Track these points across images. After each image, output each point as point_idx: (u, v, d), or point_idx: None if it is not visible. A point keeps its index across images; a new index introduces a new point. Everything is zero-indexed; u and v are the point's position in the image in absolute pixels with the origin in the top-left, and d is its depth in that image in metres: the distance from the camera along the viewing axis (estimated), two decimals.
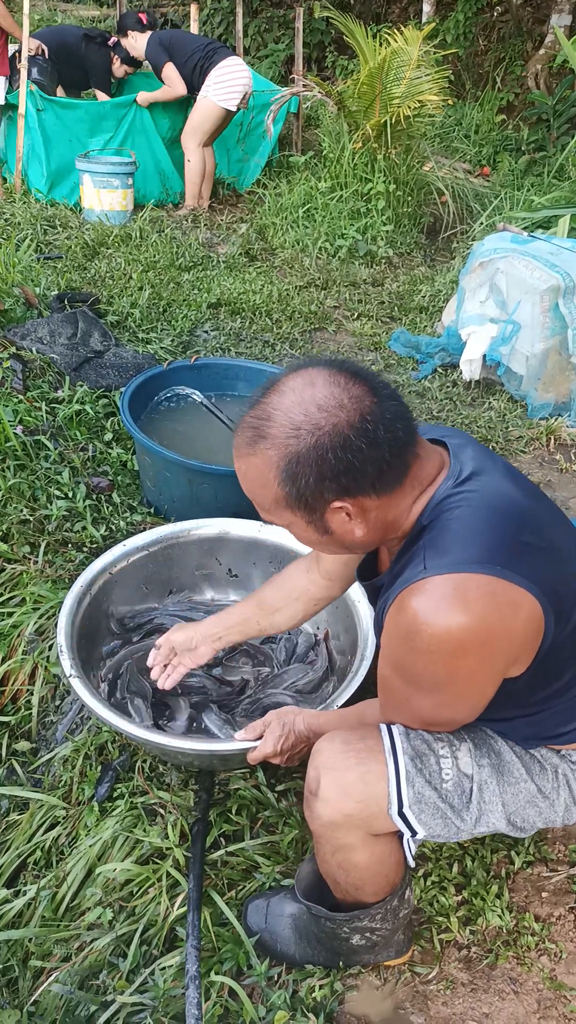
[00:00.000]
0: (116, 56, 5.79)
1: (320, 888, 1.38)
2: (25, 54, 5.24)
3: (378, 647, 1.74)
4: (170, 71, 5.29)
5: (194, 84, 5.33)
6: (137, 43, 5.46)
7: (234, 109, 5.35)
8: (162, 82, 5.42)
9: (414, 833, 1.22)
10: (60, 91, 5.74)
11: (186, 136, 5.45)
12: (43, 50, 5.50)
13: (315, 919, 1.39)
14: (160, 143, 5.68)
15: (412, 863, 1.31)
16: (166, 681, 1.71)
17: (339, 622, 1.96)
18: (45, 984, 1.52)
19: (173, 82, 5.33)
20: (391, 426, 1.07)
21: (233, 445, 1.12)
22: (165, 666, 1.72)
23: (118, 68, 5.89)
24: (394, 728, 1.22)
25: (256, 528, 2.11)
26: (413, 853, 1.30)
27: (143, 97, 5.52)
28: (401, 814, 1.19)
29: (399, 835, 1.26)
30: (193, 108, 5.43)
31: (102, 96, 5.85)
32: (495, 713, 1.20)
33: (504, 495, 1.12)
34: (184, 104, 5.67)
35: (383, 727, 1.23)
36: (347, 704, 1.59)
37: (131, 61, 5.84)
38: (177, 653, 1.71)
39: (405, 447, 1.09)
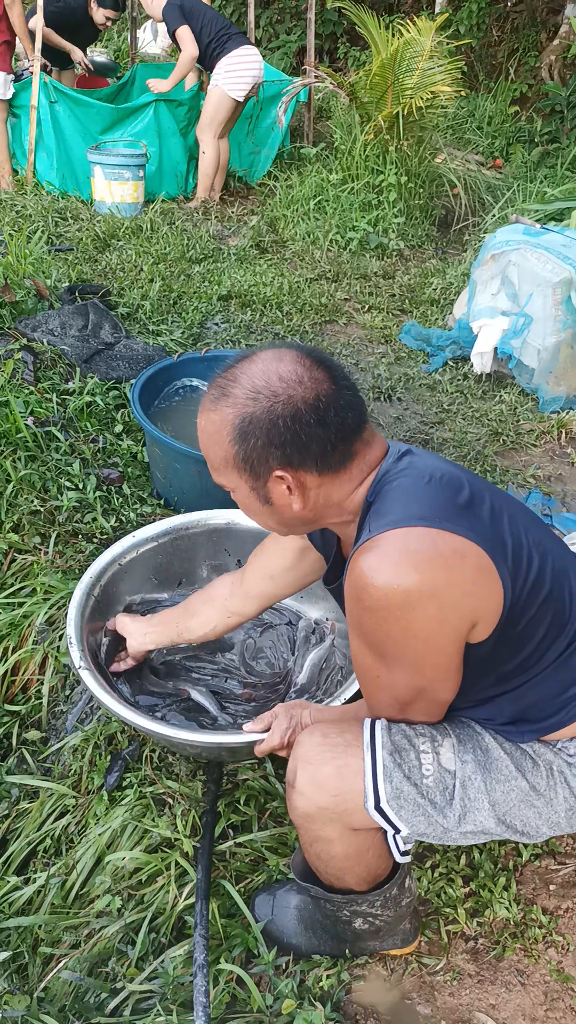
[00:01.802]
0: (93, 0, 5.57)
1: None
2: (38, 46, 5.23)
3: None
4: (185, 32, 5.13)
5: (205, 61, 5.27)
6: (154, 1, 5.24)
7: (241, 99, 5.31)
8: (176, 44, 5.28)
9: (397, 830, 1.21)
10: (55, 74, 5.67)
11: (202, 129, 5.43)
12: (47, 65, 5.47)
13: (317, 903, 1.40)
14: (178, 143, 5.66)
15: (401, 859, 1.29)
16: (117, 665, 1.85)
17: (343, 613, 1.96)
18: (55, 971, 1.54)
19: (186, 43, 5.16)
20: (342, 412, 1.14)
21: (200, 402, 1.20)
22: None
23: (96, 12, 5.68)
24: (377, 723, 1.22)
25: None
26: (403, 849, 1.28)
27: (158, 86, 5.46)
28: (379, 809, 1.18)
29: (383, 831, 1.25)
30: (205, 99, 5.41)
31: (59, 40, 5.60)
32: (475, 693, 1.20)
33: (439, 466, 1.19)
34: (196, 98, 5.66)
35: (366, 722, 1.23)
36: (355, 698, 1.59)
37: (114, 3, 5.58)
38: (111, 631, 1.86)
39: (352, 434, 1.16)
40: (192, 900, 1.52)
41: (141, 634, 1.79)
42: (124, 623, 1.83)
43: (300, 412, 1.11)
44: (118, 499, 2.50)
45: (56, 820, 1.80)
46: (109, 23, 5.92)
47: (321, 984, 1.42)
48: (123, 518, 2.43)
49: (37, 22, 5.26)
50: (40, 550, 2.29)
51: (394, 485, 1.14)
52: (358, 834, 1.24)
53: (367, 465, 1.19)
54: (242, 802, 1.70)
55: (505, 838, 1.26)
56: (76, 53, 5.80)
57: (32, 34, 5.24)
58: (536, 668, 1.21)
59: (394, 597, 1.05)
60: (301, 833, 1.29)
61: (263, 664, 2.00)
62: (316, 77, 5.66)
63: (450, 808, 1.20)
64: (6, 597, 2.21)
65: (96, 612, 1.85)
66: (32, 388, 2.82)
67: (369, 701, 1.25)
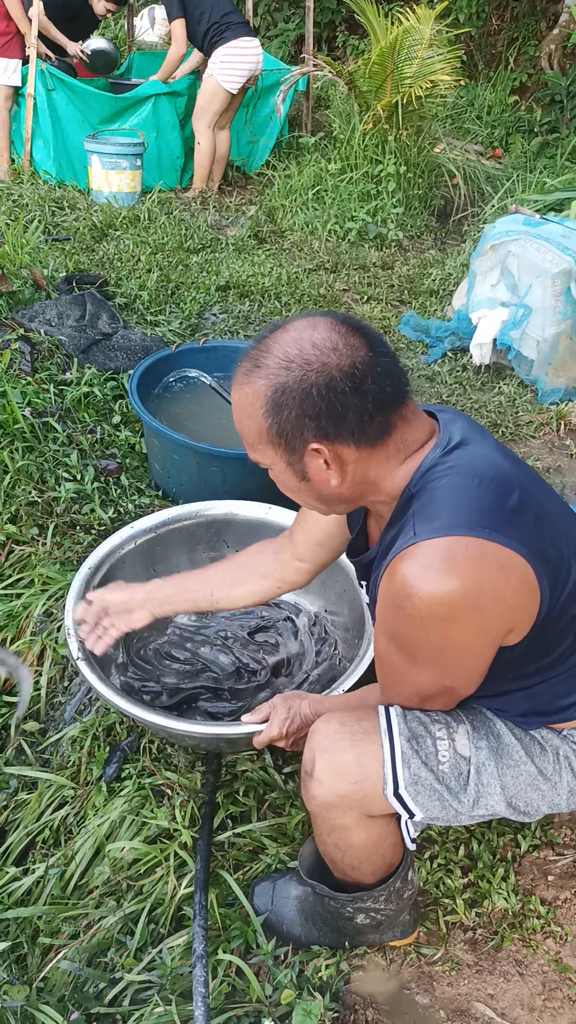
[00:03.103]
0: None
1: (322, 867, 1.39)
2: (34, 32, 5.18)
3: None
4: (178, 27, 5.16)
5: (203, 48, 5.25)
6: None
7: (235, 92, 5.28)
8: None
9: (411, 815, 1.22)
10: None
11: (195, 119, 5.39)
12: (49, 55, 5.42)
13: (319, 899, 1.40)
14: (176, 134, 5.62)
15: (411, 845, 1.31)
16: (96, 644, 1.62)
17: (343, 599, 1.96)
18: (54, 961, 1.54)
19: (176, 39, 5.21)
20: (379, 380, 1.08)
21: (233, 376, 1.15)
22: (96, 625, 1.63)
23: (97, 3, 5.67)
24: (391, 710, 1.22)
25: (264, 510, 2.10)
26: (412, 836, 1.30)
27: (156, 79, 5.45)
28: (397, 795, 1.19)
29: (396, 817, 1.26)
30: (200, 89, 5.37)
31: (55, 32, 5.55)
32: (492, 687, 1.20)
33: (491, 462, 1.13)
34: (193, 88, 5.62)
35: (381, 709, 1.23)
36: (355, 687, 1.59)
37: None
38: (109, 614, 1.62)
39: (391, 404, 1.10)
40: (191, 890, 1.52)
41: (156, 604, 1.60)
42: (124, 599, 1.61)
43: (335, 380, 1.06)
44: (116, 490, 2.49)
45: (55, 811, 1.80)
46: (109, 14, 5.87)
47: (320, 974, 1.42)
48: (121, 509, 2.42)
49: (36, 10, 5.22)
50: (38, 541, 2.28)
51: (442, 483, 1.09)
52: (375, 821, 1.25)
53: (406, 445, 1.14)
54: (241, 793, 1.70)
55: (506, 817, 1.28)
56: (71, 47, 5.73)
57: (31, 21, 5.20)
58: (557, 670, 1.22)
59: (438, 609, 1.04)
60: (318, 823, 1.29)
61: (271, 655, 2.00)
62: (315, 66, 5.62)
63: (464, 793, 1.22)
64: (4, 588, 2.20)
65: None
66: (29, 378, 2.81)
67: (387, 691, 1.25)
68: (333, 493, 1.16)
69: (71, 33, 5.74)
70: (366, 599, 1.80)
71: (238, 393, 1.13)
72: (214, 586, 1.62)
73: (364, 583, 1.36)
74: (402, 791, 1.19)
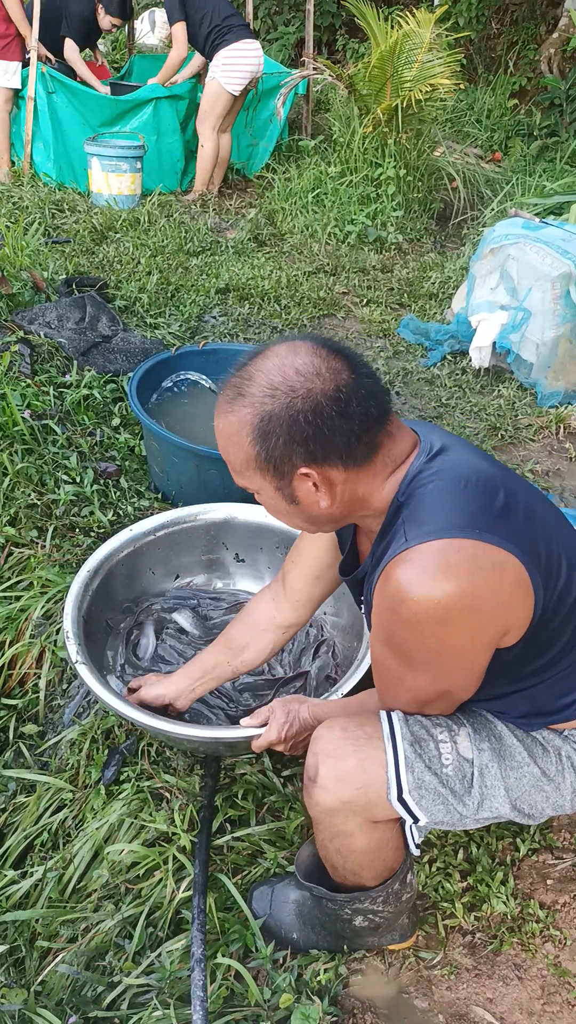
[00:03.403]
0: (100, 5, 5.58)
1: (321, 870, 1.39)
2: (35, 34, 5.19)
3: None
4: (179, 30, 5.16)
5: (204, 51, 5.26)
6: None
7: (237, 94, 5.28)
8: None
9: (416, 820, 1.22)
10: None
11: (200, 123, 5.40)
12: (49, 57, 5.44)
13: (318, 902, 1.40)
14: (177, 138, 5.63)
15: (416, 850, 1.31)
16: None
17: (342, 601, 1.96)
18: (52, 965, 1.54)
19: (177, 42, 5.22)
20: (364, 402, 1.09)
21: (216, 404, 1.15)
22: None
23: (103, 19, 5.70)
24: (393, 715, 1.22)
25: (263, 513, 2.09)
26: (416, 840, 1.30)
27: (155, 82, 5.45)
28: (401, 800, 1.19)
29: (400, 822, 1.26)
30: (203, 92, 5.38)
31: (69, 46, 5.59)
32: (491, 690, 1.20)
33: (473, 466, 1.15)
34: (194, 91, 5.63)
35: (382, 714, 1.23)
36: (353, 690, 1.59)
37: (119, 12, 5.63)
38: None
39: (376, 424, 1.11)
40: (189, 894, 1.52)
41: (186, 694, 1.66)
42: (157, 696, 1.66)
43: (320, 405, 1.06)
44: (115, 493, 2.49)
45: (53, 814, 1.80)
46: (115, 29, 5.93)
47: (319, 978, 1.42)
48: (120, 512, 2.42)
49: (36, 11, 5.23)
50: (37, 544, 2.28)
51: (429, 489, 1.10)
52: (378, 827, 1.25)
53: (393, 459, 1.15)
54: (240, 796, 1.69)
55: (511, 820, 1.28)
56: (100, 88, 5.71)
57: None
58: (554, 670, 1.22)
59: (434, 612, 1.04)
60: (320, 829, 1.29)
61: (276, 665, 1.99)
62: (315, 69, 5.63)
63: (469, 796, 1.22)
64: (3, 591, 2.20)
65: (93, 606, 1.85)
66: (29, 381, 2.81)
67: (385, 696, 1.25)
68: (323, 514, 1.17)
69: (87, 42, 5.82)
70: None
71: (223, 422, 1.13)
72: (228, 657, 1.64)
73: (360, 600, 1.36)
74: (406, 795, 1.19)
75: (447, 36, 5.55)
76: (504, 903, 1.54)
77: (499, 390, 3.47)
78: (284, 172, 5.70)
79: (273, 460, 1.10)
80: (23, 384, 2.77)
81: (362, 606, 1.36)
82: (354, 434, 1.09)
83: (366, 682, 1.54)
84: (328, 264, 4.63)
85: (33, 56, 5.19)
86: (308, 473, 1.10)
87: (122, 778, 1.75)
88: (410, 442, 1.18)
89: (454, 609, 1.04)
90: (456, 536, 1.04)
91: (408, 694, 1.20)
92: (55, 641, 2.07)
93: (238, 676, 1.72)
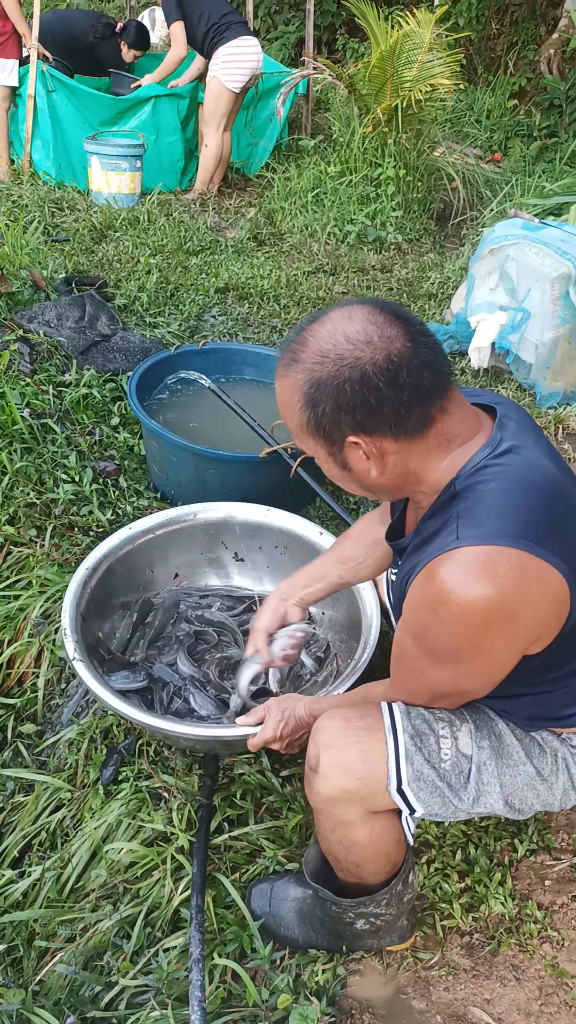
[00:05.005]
0: (123, 42, 5.83)
1: (325, 872, 1.39)
2: (35, 35, 5.18)
3: (382, 632, 1.75)
4: (177, 29, 5.18)
5: (203, 50, 5.26)
6: None
7: (238, 91, 5.28)
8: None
9: (412, 811, 1.23)
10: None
11: (204, 122, 5.40)
12: (47, 56, 5.44)
13: (320, 902, 1.40)
14: (177, 137, 5.62)
15: (411, 840, 1.32)
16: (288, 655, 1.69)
17: (341, 604, 1.96)
18: (50, 965, 1.53)
19: (176, 41, 5.23)
20: (417, 372, 1.06)
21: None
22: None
23: (127, 54, 5.92)
24: (395, 707, 1.23)
25: (262, 512, 2.10)
26: (412, 831, 1.30)
27: (150, 79, 5.45)
28: (400, 791, 1.20)
29: (398, 813, 1.27)
30: (205, 92, 5.37)
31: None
32: (504, 690, 1.20)
33: (541, 471, 1.12)
34: (195, 91, 5.62)
35: (384, 705, 1.24)
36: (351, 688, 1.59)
37: (139, 44, 5.83)
38: (272, 632, 1.68)
39: (429, 397, 1.09)
40: (188, 894, 1.52)
41: (297, 601, 1.67)
42: (271, 613, 1.67)
43: (368, 375, 1.04)
44: (114, 492, 2.49)
45: (51, 814, 1.80)
46: (135, 60, 6.05)
47: (317, 979, 1.42)
48: (119, 511, 2.42)
49: (36, 10, 5.23)
50: (36, 543, 2.28)
51: (491, 487, 1.08)
52: (378, 817, 1.26)
53: (447, 437, 1.12)
54: (238, 796, 1.69)
55: (500, 815, 1.30)
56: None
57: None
58: (569, 681, 1.23)
59: (473, 616, 1.04)
60: (321, 819, 1.30)
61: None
62: (314, 68, 5.63)
63: (465, 791, 1.23)
64: (2, 590, 2.20)
65: (92, 605, 1.84)
66: (28, 379, 2.80)
67: (398, 683, 1.26)
68: (375, 483, 1.16)
69: (88, 68, 5.94)
70: (370, 602, 1.80)
71: (279, 385, 1.15)
72: (340, 570, 1.65)
73: (394, 568, 1.36)
74: (405, 787, 1.20)
75: (447, 36, 5.55)
76: (502, 904, 1.54)
77: (498, 391, 3.47)
78: (284, 171, 5.69)
79: (323, 427, 1.10)
80: (22, 383, 2.76)
81: (392, 572, 1.36)
82: (404, 405, 1.06)
83: (365, 682, 1.54)
84: (327, 264, 4.63)
85: (33, 54, 5.19)
86: (357, 442, 1.10)
87: (120, 778, 1.75)
88: (472, 423, 1.15)
89: (493, 616, 1.04)
90: (508, 545, 1.03)
91: (424, 687, 1.21)
92: (54, 640, 2.07)
93: (344, 587, 1.71)
